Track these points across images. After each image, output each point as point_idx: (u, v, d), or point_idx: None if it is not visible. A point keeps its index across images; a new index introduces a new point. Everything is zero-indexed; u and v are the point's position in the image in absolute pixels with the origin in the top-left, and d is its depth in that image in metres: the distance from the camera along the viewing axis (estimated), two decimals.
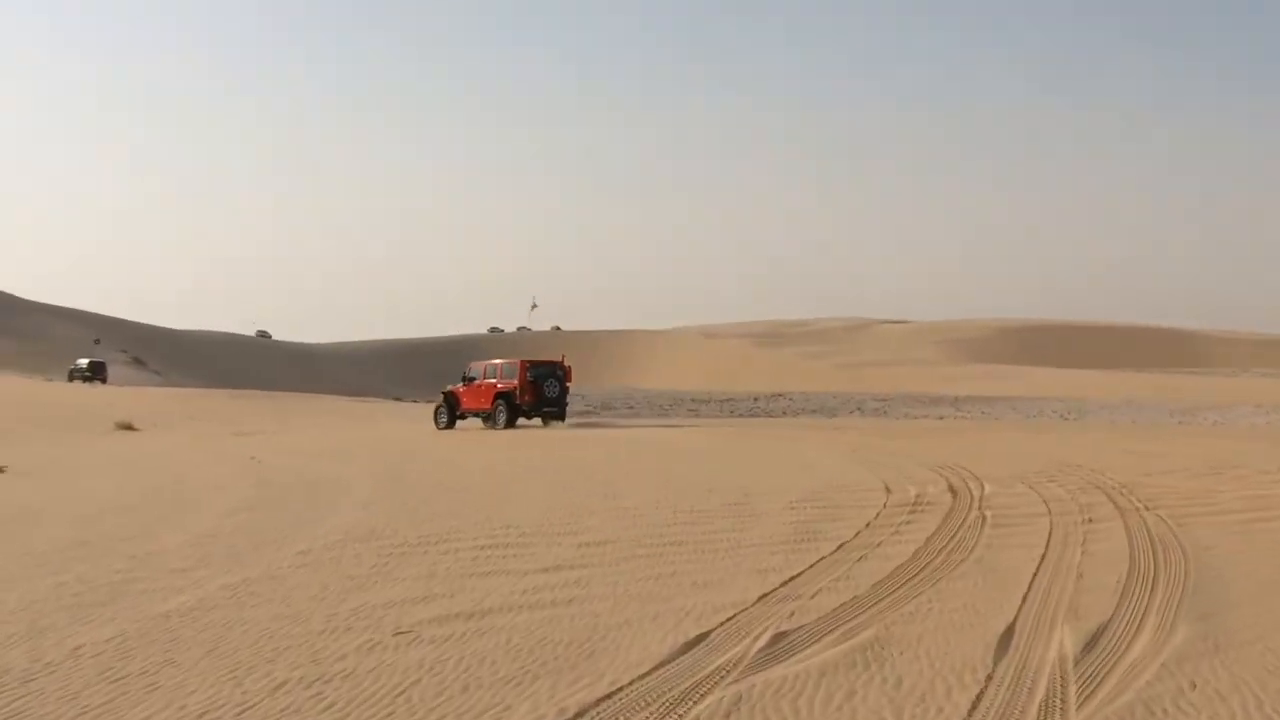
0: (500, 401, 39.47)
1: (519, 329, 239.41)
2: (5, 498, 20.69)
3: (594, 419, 71.43)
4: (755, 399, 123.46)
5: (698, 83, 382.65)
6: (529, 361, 40.10)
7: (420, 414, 52.44)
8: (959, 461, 21.32)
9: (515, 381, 39.40)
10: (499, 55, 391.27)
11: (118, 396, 63.92)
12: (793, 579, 10.38)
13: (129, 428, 45.28)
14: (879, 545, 12.09)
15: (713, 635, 8.40)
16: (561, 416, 40.54)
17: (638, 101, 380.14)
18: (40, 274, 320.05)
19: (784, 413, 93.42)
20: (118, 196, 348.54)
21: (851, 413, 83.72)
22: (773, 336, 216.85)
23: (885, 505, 15.18)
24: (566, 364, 41.01)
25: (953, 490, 16.56)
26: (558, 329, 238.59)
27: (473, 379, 41.00)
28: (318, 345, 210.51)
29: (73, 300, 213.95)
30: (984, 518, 13.85)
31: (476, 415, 40.61)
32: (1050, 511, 14.25)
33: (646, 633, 8.53)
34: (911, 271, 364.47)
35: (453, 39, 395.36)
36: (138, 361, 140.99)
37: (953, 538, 12.46)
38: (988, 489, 16.65)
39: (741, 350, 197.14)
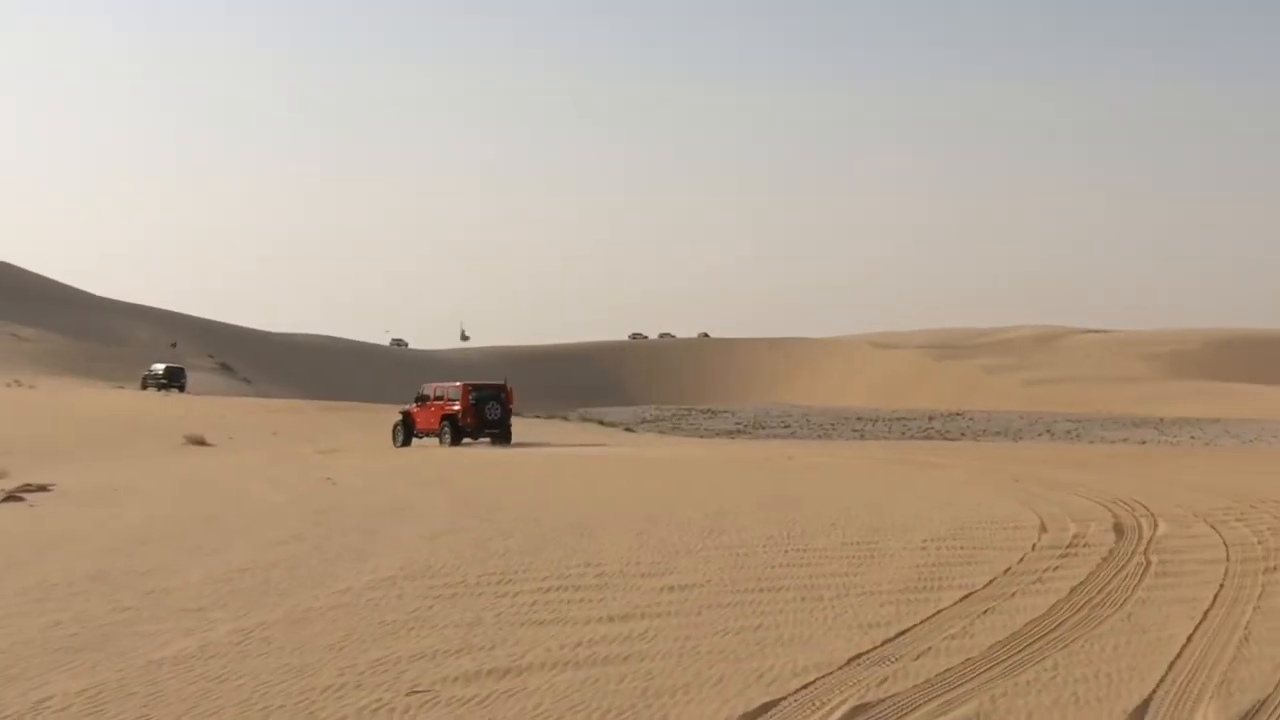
0: (445, 423, 46.11)
1: (661, 335, 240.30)
2: (39, 522, 21.07)
3: (745, 437, 70.92)
4: (930, 418, 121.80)
5: (859, 71, 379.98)
6: (471, 385, 47.26)
7: (522, 429, 52.53)
8: (1139, 495, 20.56)
9: (459, 404, 46.08)
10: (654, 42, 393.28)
11: (194, 407, 65.33)
12: (899, 636, 9.94)
13: (200, 443, 46.17)
14: (1013, 595, 11.57)
15: (781, 705, 8.00)
16: (506, 438, 46.64)
17: (798, 84, 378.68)
18: (118, 271, 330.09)
19: (962, 434, 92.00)
20: (211, 190, 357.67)
21: (1040, 435, 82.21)
22: (952, 347, 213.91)
23: (1034, 546, 14.62)
24: (509, 388, 48.05)
25: (1119, 529, 15.90)
26: (705, 336, 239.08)
27: (425, 399, 47.59)
28: (445, 352, 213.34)
29: (154, 299, 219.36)
30: (1147, 564, 13.21)
31: (430, 435, 46.70)
32: (1229, 558, 13.55)
33: (704, 700, 8.17)
34: (1110, 272, 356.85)
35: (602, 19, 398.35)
36: (225, 368, 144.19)
37: (1103, 588, 11.87)
38: (1161, 529, 15.95)
39: (916, 362, 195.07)
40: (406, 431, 47.09)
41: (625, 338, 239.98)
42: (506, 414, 46.79)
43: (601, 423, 76.47)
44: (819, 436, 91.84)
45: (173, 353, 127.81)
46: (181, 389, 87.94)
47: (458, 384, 47.47)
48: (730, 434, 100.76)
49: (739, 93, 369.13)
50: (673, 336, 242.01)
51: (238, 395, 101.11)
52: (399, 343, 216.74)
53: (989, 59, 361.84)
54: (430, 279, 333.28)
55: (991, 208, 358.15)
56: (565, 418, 79.37)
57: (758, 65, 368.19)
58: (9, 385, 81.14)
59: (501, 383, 48.46)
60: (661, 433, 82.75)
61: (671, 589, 12.31)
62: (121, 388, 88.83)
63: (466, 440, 46.01)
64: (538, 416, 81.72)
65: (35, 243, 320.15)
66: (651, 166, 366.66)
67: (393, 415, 52.40)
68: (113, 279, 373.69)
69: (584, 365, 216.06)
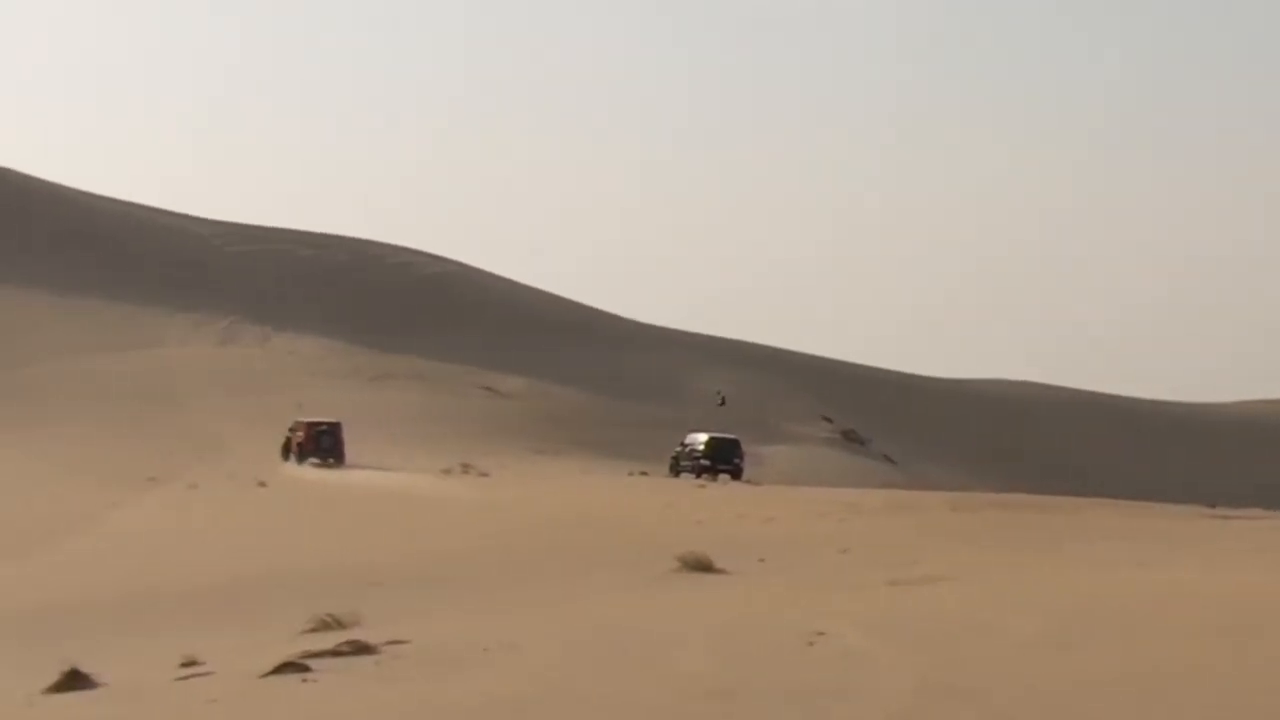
0: (297, 448, 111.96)
1: None
2: (276, 707, 22.22)
3: None
4: None
5: None
6: (310, 423, 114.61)
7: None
8: None
9: (303, 435, 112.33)
10: None
11: (735, 504, 67.38)
12: None
13: (704, 568, 46.70)
14: None
15: None
16: (339, 461, 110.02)
17: None
18: (667, 279, 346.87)
19: None
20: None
21: None
22: None
23: None
24: (339, 426, 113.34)
25: None
26: None
27: (296, 431, 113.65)
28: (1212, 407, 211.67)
29: (729, 325, 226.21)
30: None
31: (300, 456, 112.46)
32: None
33: None
34: None
35: None
36: (848, 437, 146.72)
37: None
38: None
39: None
40: (286, 451, 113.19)
41: None
42: (337, 444, 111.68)
43: None
44: None
45: (728, 413, 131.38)
46: (735, 473, 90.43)
47: (305, 421, 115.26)
48: None
49: None
50: None
51: (859, 482, 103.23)
52: None
53: None
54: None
55: None
56: None
57: None
58: (446, 471, 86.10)
59: (335, 422, 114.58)
60: None
61: None
62: (643, 474, 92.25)
63: (313, 460, 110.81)
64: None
65: (536, 241, 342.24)
66: None
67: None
68: (658, 292, 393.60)
69: None
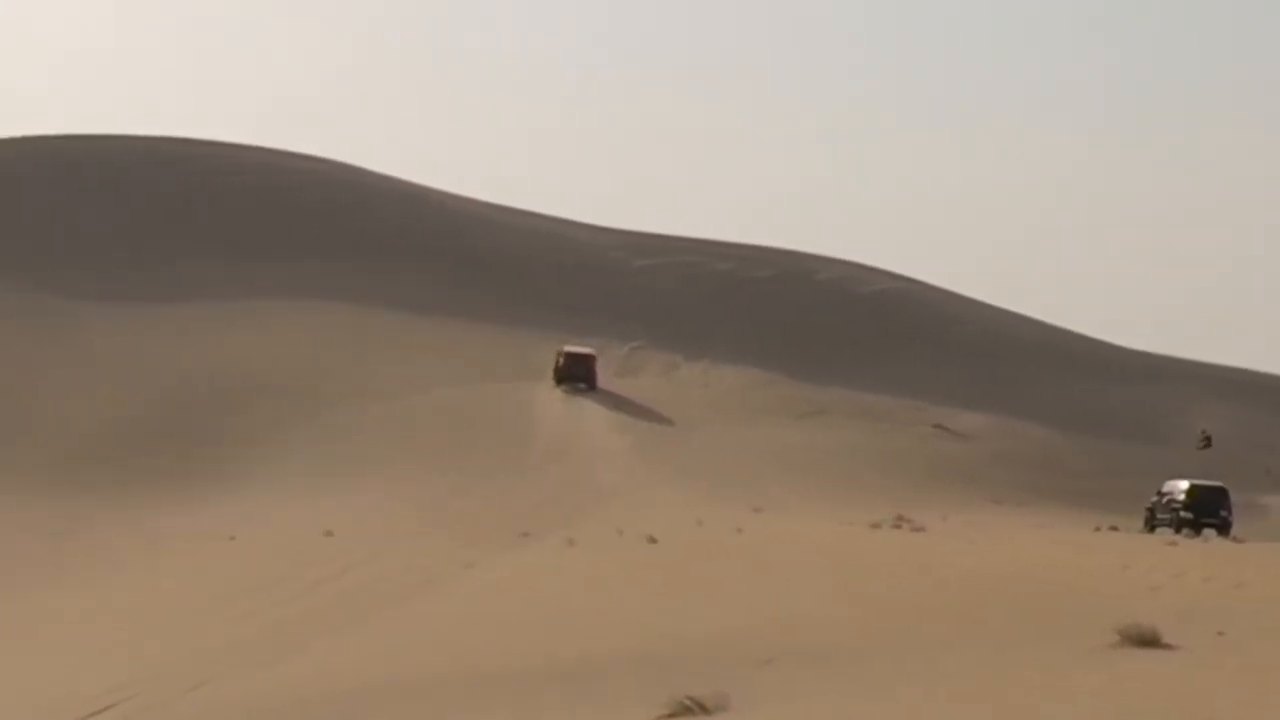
0: (556, 373, 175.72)
1: None
2: None
3: None
4: None
5: None
6: (568, 352, 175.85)
7: None
8: None
9: (562, 362, 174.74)
10: None
11: (1203, 562, 66.24)
12: None
13: (1150, 643, 45.92)
14: None
15: None
16: (589, 387, 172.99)
17: None
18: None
19: None
20: None
21: None
22: None
23: None
24: (593, 355, 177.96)
25: None
26: None
27: (560, 357, 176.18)
28: None
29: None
30: None
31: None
32: None
33: None
34: None
35: None
36: None
37: None
38: None
39: None
40: (554, 371, 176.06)
41: None
42: (589, 373, 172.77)
43: None
44: None
45: (1215, 456, 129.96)
46: (1221, 529, 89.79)
47: (566, 350, 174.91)
48: None
49: None
50: None
51: None
52: None
53: None
54: None
55: None
56: None
57: None
58: (875, 525, 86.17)
59: (590, 353, 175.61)
60: None
61: None
62: (1112, 528, 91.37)
63: (566, 388, 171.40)
64: None
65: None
66: None
67: None
68: (1144, 313, 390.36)
69: None
